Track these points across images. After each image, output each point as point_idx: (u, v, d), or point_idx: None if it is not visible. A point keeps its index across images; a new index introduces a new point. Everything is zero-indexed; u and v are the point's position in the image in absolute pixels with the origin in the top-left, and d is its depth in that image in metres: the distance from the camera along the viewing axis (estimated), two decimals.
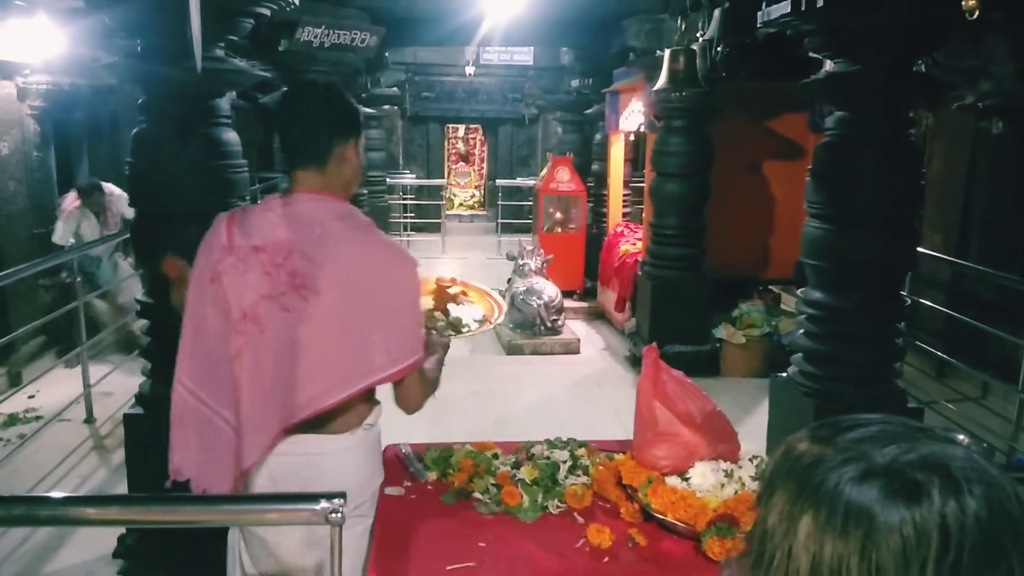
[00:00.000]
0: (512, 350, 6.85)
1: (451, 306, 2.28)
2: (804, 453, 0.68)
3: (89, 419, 4.90)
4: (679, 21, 5.89)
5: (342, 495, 1.45)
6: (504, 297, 7.33)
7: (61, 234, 6.14)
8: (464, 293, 2.39)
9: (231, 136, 3.05)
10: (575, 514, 1.93)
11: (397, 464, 2.20)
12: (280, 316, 1.68)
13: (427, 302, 2.22)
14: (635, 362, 6.13)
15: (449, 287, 2.38)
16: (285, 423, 1.66)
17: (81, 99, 6.68)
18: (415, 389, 1.79)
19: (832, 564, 0.61)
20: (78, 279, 5.06)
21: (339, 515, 1.42)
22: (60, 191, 6.72)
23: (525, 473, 2.09)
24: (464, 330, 2.19)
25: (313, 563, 1.75)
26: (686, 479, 1.94)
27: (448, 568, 1.65)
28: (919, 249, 5.02)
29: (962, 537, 0.59)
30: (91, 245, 5.90)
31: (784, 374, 3.56)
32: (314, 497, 1.43)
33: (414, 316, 1.76)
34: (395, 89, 11.83)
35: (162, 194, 2.93)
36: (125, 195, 6.03)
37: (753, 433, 3.46)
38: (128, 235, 6.01)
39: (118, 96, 6.86)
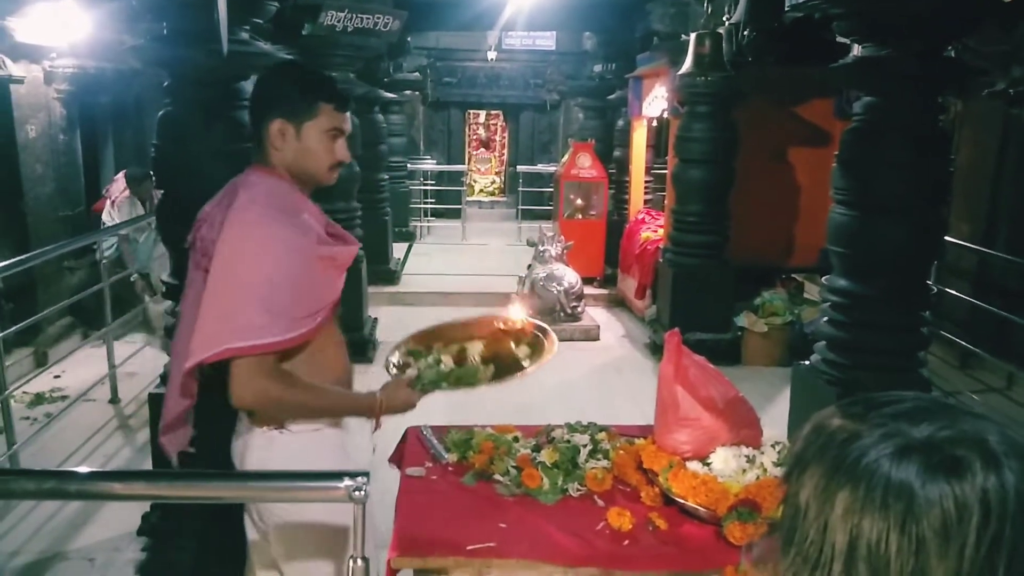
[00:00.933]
0: None
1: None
2: (838, 429, 0.68)
3: (114, 399, 4.97)
4: (705, 4, 5.82)
5: (366, 474, 1.46)
6: (524, 284, 7.38)
7: (119, 217, 6.32)
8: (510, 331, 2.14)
9: None
10: (595, 497, 1.94)
11: (418, 445, 2.21)
12: (197, 276, 1.84)
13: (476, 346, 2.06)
14: (655, 349, 6.11)
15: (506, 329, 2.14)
16: (180, 371, 1.84)
17: (107, 83, 6.74)
18: (242, 381, 1.70)
19: (871, 539, 0.61)
20: (103, 261, 5.13)
21: (362, 493, 1.43)
22: (86, 174, 6.81)
23: (545, 456, 2.09)
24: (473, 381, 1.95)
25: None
26: (707, 464, 1.94)
27: (468, 548, 1.66)
28: (946, 238, 4.97)
29: (1003, 511, 0.59)
30: (117, 227, 6.01)
31: (807, 362, 3.54)
32: (338, 475, 1.45)
33: (238, 302, 1.68)
34: (416, 74, 11.81)
35: (187, 177, 2.95)
36: None
37: (774, 421, 3.44)
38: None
39: (143, 79, 6.91)
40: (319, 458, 1.80)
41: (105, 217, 6.47)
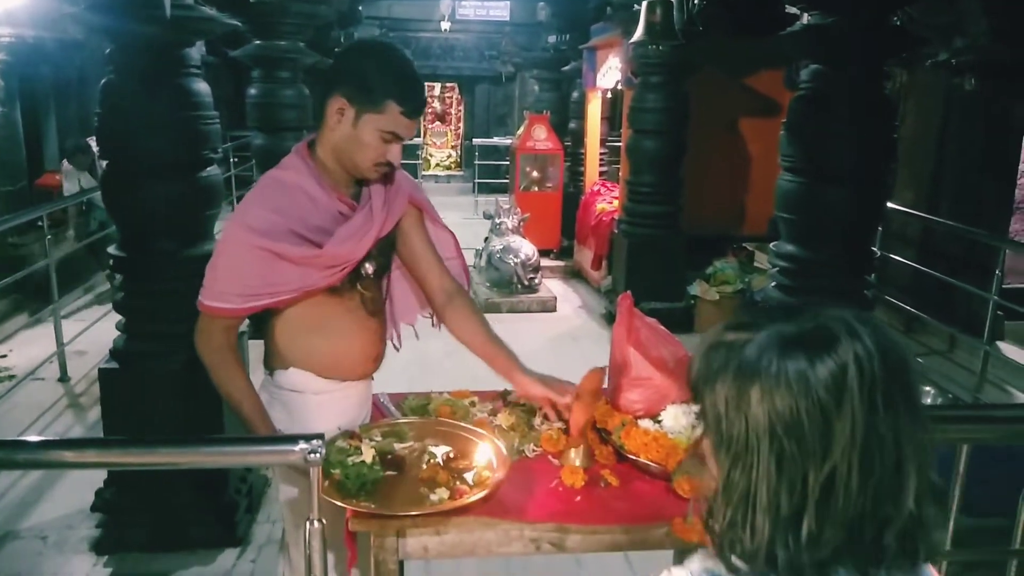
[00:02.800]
0: (489, 308, 6.88)
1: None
2: (732, 342, 0.85)
3: (63, 377, 4.87)
4: None
5: (320, 436, 1.47)
6: (480, 257, 7.37)
7: (66, 191, 6.39)
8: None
9: (202, 87, 3.01)
10: (550, 457, 1.96)
11: (375, 412, 2.22)
12: None
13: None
14: (611, 319, 6.19)
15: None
16: None
17: (47, 53, 6.52)
18: (201, 328, 1.80)
19: (785, 412, 0.79)
20: (48, 237, 4.99)
21: (317, 456, 1.44)
22: (27, 148, 6.61)
23: (502, 419, 2.11)
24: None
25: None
26: (658, 422, 1.98)
27: (426, 507, 1.68)
28: (891, 205, 5.10)
29: (871, 364, 0.79)
30: (66, 201, 5.99)
31: None
32: (293, 439, 1.45)
33: (214, 265, 1.77)
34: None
35: (132, 146, 2.89)
36: None
37: None
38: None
39: (85, 51, 6.70)
40: (295, 414, 1.89)
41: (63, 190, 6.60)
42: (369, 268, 1.92)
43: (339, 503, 1.60)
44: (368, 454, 1.73)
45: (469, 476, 1.71)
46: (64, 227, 6.94)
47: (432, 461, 1.76)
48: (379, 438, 1.85)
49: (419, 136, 14.46)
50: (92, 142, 6.28)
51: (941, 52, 5.47)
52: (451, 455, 1.79)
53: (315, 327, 1.87)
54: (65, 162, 6.59)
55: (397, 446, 1.82)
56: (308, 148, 1.84)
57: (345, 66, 1.77)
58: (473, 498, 1.64)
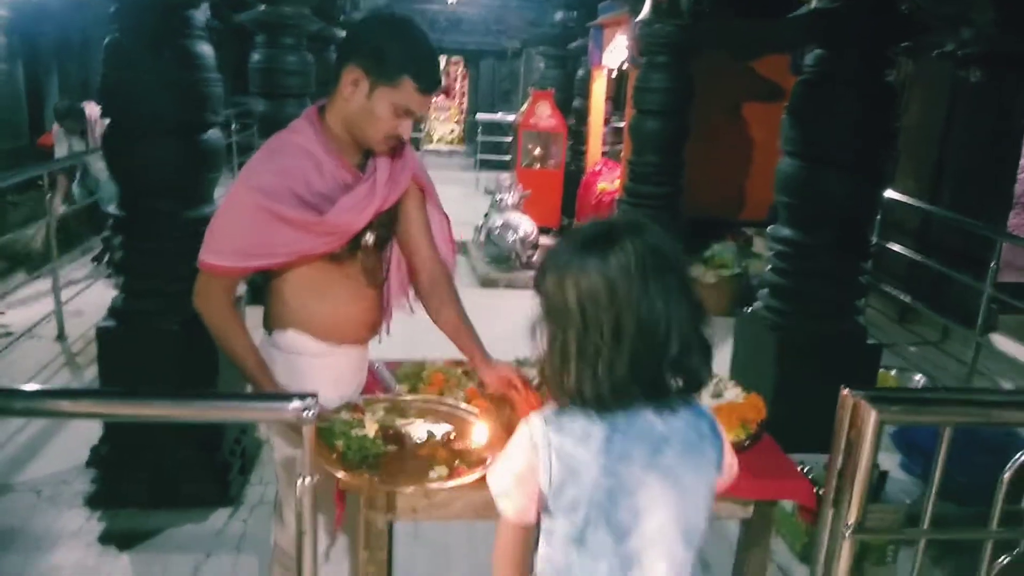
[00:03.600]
0: (486, 283, 6.91)
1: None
2: (555, 250, 1.23)
3: (61, 336, 4.90)
4: None
5: (314, 395, 1.49)
6: (480, 232, 7.38)
7: (56, 154, 6.24)
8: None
9: (206, 49, 3.00)
10: None
11: (371, 378, 2.24)
12: None
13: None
14: None
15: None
16: None
17: (51, 11, 6.48)
18: (201, 285, 1.81)
19: (587, 289, 1.14)
20: (48, 196, 4.99)
21: (310, 414, 1.46)
22: (29, 107, 6.58)
23: (493, 388, 2.14)
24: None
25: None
26: None
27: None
28: (891, 195, 5.11)
29: (646, 251, 1.14)
30: (65, 160, 5.88)
31: (750, 308, 3.65)
32: (287, 396, 1.47)
33: (216, 223, 1.78)
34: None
35: (134, 106, 2.89)
36: None
37: (718, 365, 3.56)
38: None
39: (89, 10, 6.65)
40: (291, 373, 1.90)
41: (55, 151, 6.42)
42: (369, 238, 1.93)
43: (340, 474, 1.64)
44: (371, 428, 1.78)
45: (468, 456, 1.75)
46: (51, 193, 6.58)
47: (432, 439, 1.80)
48: (382, 413, 1.88)
49: None
50: (87, 106, 6.17)
51: (947, 42, 5.45)
52: (451, 435, 1.82)
53: (314, 291, 1.89)
54: (56, 125, 6.40)
55: (399, 422, 1.85)
56: (319, 114, 1.85)
57: (363, 37, 1.77)
58: (471, 478, 1.67)
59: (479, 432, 1.85)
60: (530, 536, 1.29)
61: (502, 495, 1.26)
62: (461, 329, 2.06)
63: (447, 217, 2.20)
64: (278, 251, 1.77)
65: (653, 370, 1.16)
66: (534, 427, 1.21)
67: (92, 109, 6.17)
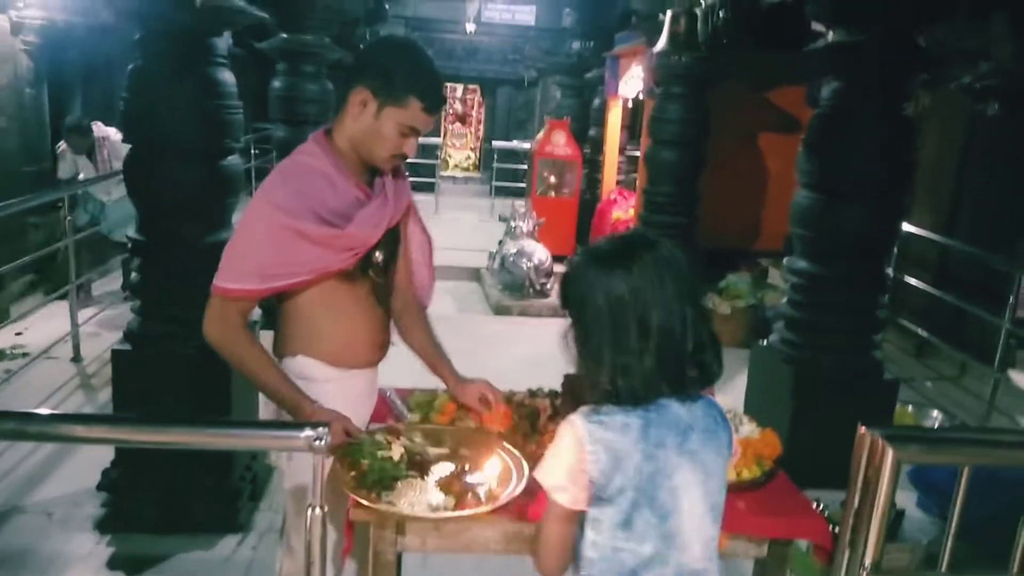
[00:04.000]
0: (500, 311, 6.90)
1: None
2: (576, 264, 1.40)
3: (76, 358, 4.93)
4: None
5: (326, 424, 1.49)
6: (494, 259, 7.38)
7: (60, 173, 6.10)
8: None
9: (227, 76, 3.04)
10: None
11: (382, 405, 2.24)
12: None
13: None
14: None
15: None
16: None
17: (77, 37, 6.59)
18: (211, 311, 1.80)
19: (614, 297, 1.31)
20: (67, 218, 5.05)
21: (322, 443, 1.46)
22: (52, 130, 6.67)
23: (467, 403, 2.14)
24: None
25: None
26: None
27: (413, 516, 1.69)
28: (908, 228, 5.08)
29: (662, 262, 1.32)
30: (78, 185, 5.72)
31: (765, 341, 3.62)
32: (299, 425, 1.47)
33: (234, 245, 1.79)
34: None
35: (156, 131, 2.93)
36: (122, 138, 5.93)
37: (733, 397, 3.52)
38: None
39: (114, 36, 6.76)
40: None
41: (59, 170, 6.11)
42: (379, 256, 1.97)
43: (349, 492, 1.65)
44: (397, 452, 1.79)
45: (482, 491, 1.74)
46: (71, 215, 6.05)
47: (453, 471, 1.80)
48: (419, 439, 1.89)
49: (439, 136, 14.52)
50: (96, 126, 6.00)
51: (965, 75, 5.44)
52: (466, 467, 1.82)
53: (326, 312, 1.90)
54: (63, 143, 6.13)
55: (432, 451, 1.86)
56: (325, 135, 1.89)
57: (371, 59, 1.84)
58: (471, 512, 1.67)
59: (504, 469, 1.83)
60: (575, 526, 1.39)
61: (558, 489, 1.34)
62: (431, 347, 2.14)
63: (429, 238, 2.24)
64: (298, 270, 1.79)
65: (675, 365, 1.32)
66: (577, 425, 1.32)
67: (101, 129, 6.05)
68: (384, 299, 2.04)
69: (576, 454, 1.31)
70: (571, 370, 1.70)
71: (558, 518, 1.38)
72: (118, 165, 5.81)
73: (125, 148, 5.63)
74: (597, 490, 1.32)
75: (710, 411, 1.40)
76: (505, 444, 1.92)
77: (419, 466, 1.80)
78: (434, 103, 1.80)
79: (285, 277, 1.78)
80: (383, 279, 2.02)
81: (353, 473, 1.72)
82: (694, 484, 1.35)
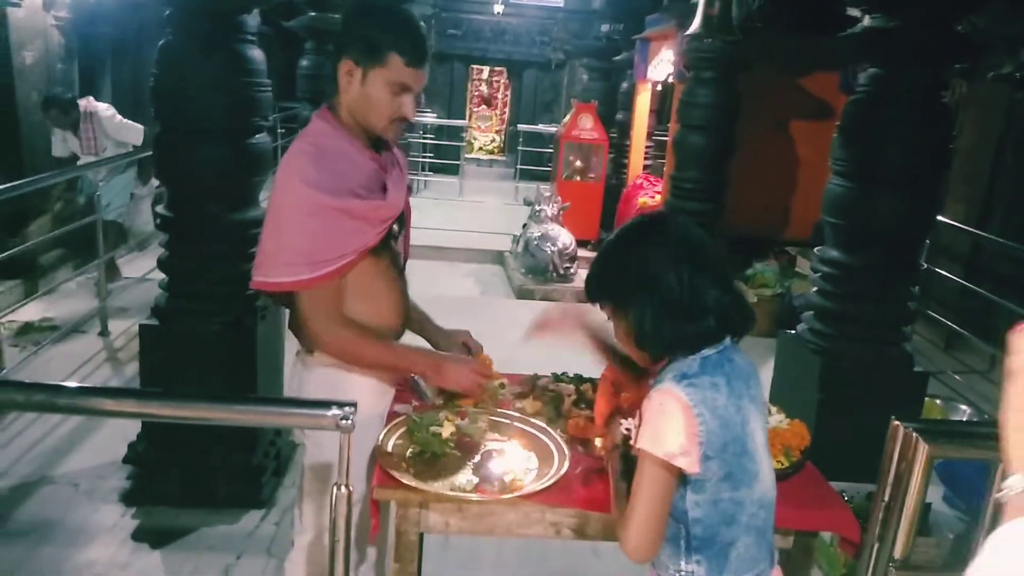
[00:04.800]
0: (522, 295, 6.89)
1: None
2: (614, 244, 1.53)
3: (104, 332, 4.99)
4: None
5: (353, 404, 1.48)
6: (518, 243, 7.36)
7: (54, 151, 5.87)
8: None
9: (257, 54, 3.04)
10: (576, 445, 1.97)
11: (406, 386, 2.23)
12: None
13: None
14: None
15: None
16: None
17: (107, 13, 6.63)
18: (309, 318, 1.80)
19: (648, 267, 1.43)
20: (97, 193, 5.09)
21: (349, 422, 1.46)
22: None
23: (528, 405, 2.13)
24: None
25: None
26: None
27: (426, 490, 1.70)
28: (940, 218, 4.98)
29: (687, 229, 1.47)
30: (88, 167, 5.61)
31: (793, 331, 3.58)
32: (326, 404, 1.47)
33: (285, 234, 1.76)
34: (421, 24, 11.64)
35: (185, 109, 2.94)
36: (113, 115, 5.74)
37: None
38: (138, 158, 5.93)
39: (144, 12, 6.80)
40: (335, 390, 1.86)
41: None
42: (396, 226, 1.96)
43: (385, 465, 1.70)
44: (448, 430, 1.82)
45: (507, 478, 1.75)
46: (49, 200, 6.09)
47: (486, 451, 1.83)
48: (482, 423, 1.92)
49: (464, 119, 14.46)
50: (86, 102, 5.71)
51: (1004, 64, 5.32)
52: (501, 451, 1.84)
53: (354, 291, 1.87)
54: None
55: (488, 436, 1.90)
56: (331, 113, 1.87)
57: (348, 29, 1.83)
58: (486, 498, 1.68)
59: (541, 459, 1.84)
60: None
61: (678, 455, 1.36)
62: (413, 309, 2.15)
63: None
64: (345, 250, 1.78)
65: (722, 309, 1.42)
66: (676, 392, 1.38)
67: (90, 104, 5.76)
68: (402, 268, 2.04)
69: (686, 418, 1.36)
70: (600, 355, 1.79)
71: (667, 485, 1.39)
72: (106, 143, 5.76)
73: (116, 126, 5.68)
74: (706, 449, 1.37)
75: (748, 357, 1.53)
76: (563, 448, 1.89)
77: (465, 448, 1.81)
78: (414, 55, 1.77)
79: (333, 262, 1.76)
80: (398, 247, 2.02)
81: (397, 445, 1.78)
82: (760, 425, 1.48)
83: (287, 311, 1.98)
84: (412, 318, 2.13)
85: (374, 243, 1.83)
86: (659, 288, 1.41)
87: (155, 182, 6.39)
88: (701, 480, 1.40)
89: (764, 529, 1.49)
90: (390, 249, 1.94)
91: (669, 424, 1.36)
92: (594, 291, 1.53)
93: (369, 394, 1.96)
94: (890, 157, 3.09)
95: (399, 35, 1.77)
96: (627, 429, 1.86)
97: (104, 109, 5.80)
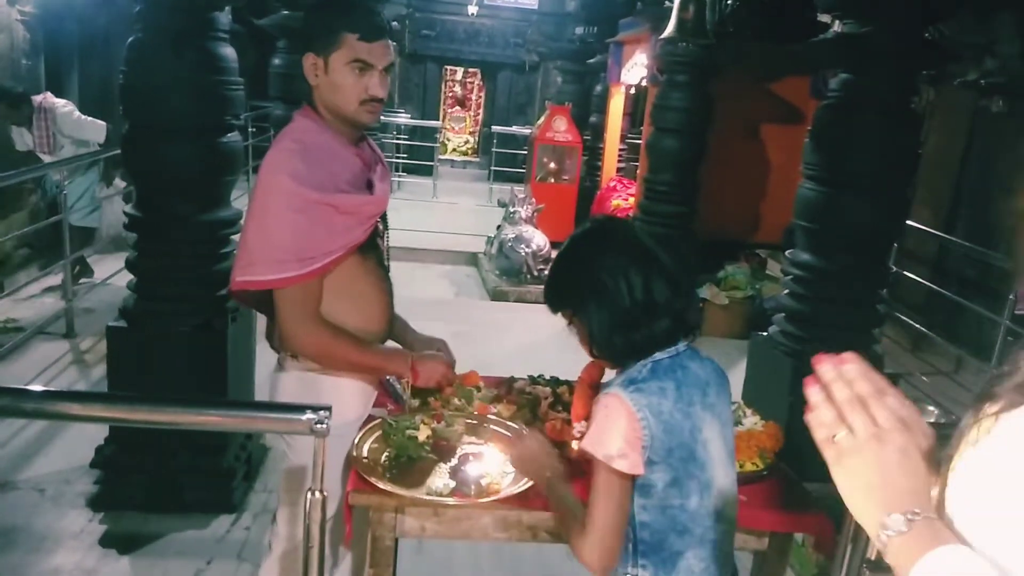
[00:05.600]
0: (497, 296, 6.88)
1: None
2: (567, 253, 1.53)
3: (70, 333, 4.89)
4: None
5: (328, 408, 1.46)
6: (492, 245, 7.35)
7: (18, 146, 5.63)
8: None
9: (228, 52, 3.00)
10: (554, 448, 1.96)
11: (383, 389, 2.21)
12: None
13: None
14: None
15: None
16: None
17: (75, 8, 6.52)
18: (286, 317, 1.79)
19: (615, 266, 1.42)
20: (64, 192, 4.98)
21: (324, 426, 1.44)
22: None
23: (502, 409, 2.12)
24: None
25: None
26: None
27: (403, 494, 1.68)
28: (908, 222, 5.06)
29: (640, 235, 1.48)
30: (49, 167, 5.37)
31: (765, 333, 3.61)
32: (300, 408, 1.45)
33: (272, 231, 1.75)
34: (395, 24, 11.58)
35: (155, 106, 2.89)
36: (71, 111, 5.55)
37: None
38: (102, 158, 5.76)
39: (113, 8, 6.69)
40: (323, 394, 1.85)
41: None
42: (381, 224, 1.96)
43: (360, 470, 1.68)
44: (424, 433, 1.81)
45: (483, 481, 1.75)
46: (21, 197, 5.88)
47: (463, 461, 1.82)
48: (459, 427, 1.91)
49: (438, 119, 14.42)
50: (44, 97, 5.48)
51: (971, 72, 5.42)
52: (478, 455, 1.84)
53: (340, 291, 1.85)
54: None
55: (462, 438, 1.89)
56: (313, 110, 1.87)
57: (305, 27, 1.87)
58: (463, 502, 1.67)
59: (504, 462, 1.82)
60: (630, 501, 1.42)
61: (618, 456, 1.35)
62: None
63: None
64: (333, 247, 1.77)
65: (675, 313, 1.43)
66: (621, 396, 1.37)
67: (47, 100, 5.52)
68: (387, 268, 2.03)
69: (628, 421, 1.36)
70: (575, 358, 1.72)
71: (620, 490, 1.38)
72: (63, 141, 5.55)
73: (74, 123, 5.50)
74: (650, 453, 1.38)
75: (714, 365, 1.52)
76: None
77: (442, 451, 1.80)
78: (368, 30, 1.78)
79: (321, 258, 1.75)
80: (383, 245, 2.01)
81: (372, 449, 1.76)
82: (716, 435, 1.45)
83: (259, 315, 1.96)
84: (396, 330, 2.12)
85: (362, 239, 1.82)
86: (607, 295, 1.41)
87: (120, 182, 6.27)
88: (647, 484, 1.40)
89: (722, 543, 1.47)
90: (377, 247, 1.94)
91: (611, 427, 1.37)
92: (551, 299, 1.54)
93: (351, 398, 1.94)
94: (860, 162, 3.13)
95: (347, 13, 1.80)
96: (578, 432, 1.88)
97: (62, 105, 5.59)
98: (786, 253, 3.62)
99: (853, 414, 0.77)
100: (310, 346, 1.82)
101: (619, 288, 1.40)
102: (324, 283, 1.82)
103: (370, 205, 1.83)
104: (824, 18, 5.39)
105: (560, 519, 1.53)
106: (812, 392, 0.81)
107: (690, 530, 1.42)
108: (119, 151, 3.20)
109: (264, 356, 3.40)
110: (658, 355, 1.43)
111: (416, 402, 2.16)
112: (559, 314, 1.53)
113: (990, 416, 0.81)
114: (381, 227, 1.95)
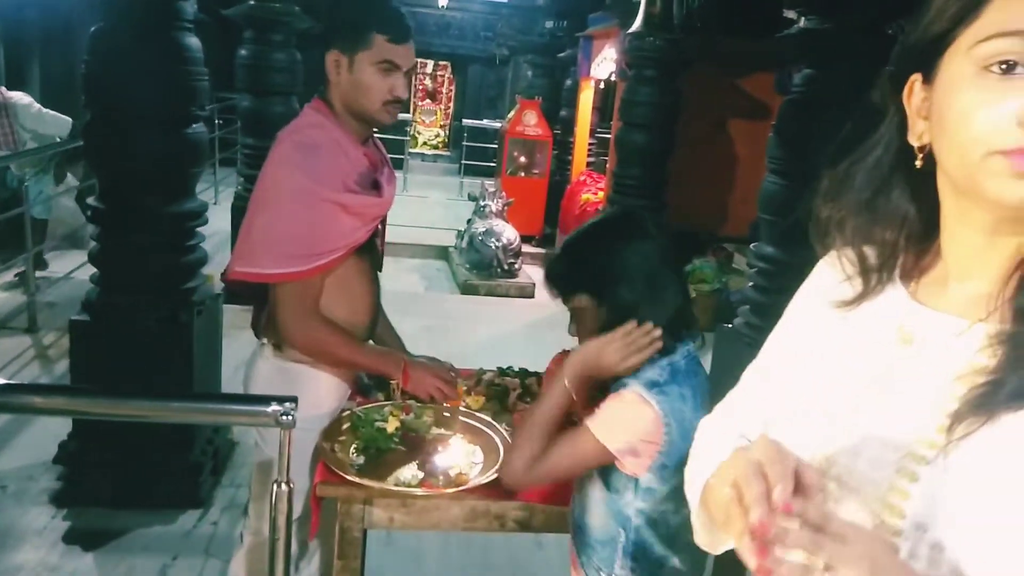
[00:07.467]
0: (467, 290, 6.89)
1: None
2: (574, 245, 1.56)
3: (32, 328, 4.80)
4: None
5: (293, 399, 1.47)
6: (462, 238, 7.36)
7: None
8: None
9: (193, 42, 2.96)
10: None
11: (354, 386, 2.21)
12: None
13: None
14: None
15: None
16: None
17: None
18: (284, 312, 1.79)
19: (620, 263, 1.43)
20: (25, 184, 4.90)
21: (289, 418, 1.44)
22: None
23: (471, 401, 2.13)
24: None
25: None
26: None
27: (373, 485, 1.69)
28: None
29: (653, 238, 1.47)
30: (9, 159, 5.28)
31: (730, 325, 3.66)
32: (266, 399, 1.45)
33: (281, 225, 1.75)
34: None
35: (118, 96, 2.84)
36: (31, 104, 5.45)
37: None
38: (51, 153, 5.61)
39: None
40: (301, 383, 1.85)
41: None
42: (380, 225, 1.97)
43: (329, 462, 1.66)
44: (392, 425, 1.80)
45: (452, 472, 1.74)
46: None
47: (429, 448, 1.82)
48: (428, 419, 1.89)
49: (408, 113, 14.35)
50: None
51: None
52: (447, 445, 1.84)
53: (332, 288, 1.86)
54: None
55: (432, 430, 1.87)
56: (324, 105, 1.86)
57: (332, 22, 1.85)
58: (432, 493, 1.67)
59: (484, 453, 1.83)
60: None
61: (624, 452, 1.37)
62: (385, 329, 2.18)
63: None
64: (337, 245, 1.78)
65: (680, 309, 1.45)
66: (646, 397, 1.37)
67: (2, 94, 5.40)
68: (379, 266, 2.05)
69: (651, 425, 1.36)
70: (547, 348, 1.74)
71: (589, 461, 1.41)
72: (26, 136, 5.44)
73: (35, 116, 5.40)
74: (665, 459, 1.37)
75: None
76: (508, 441, 1.89)
77: (410, 442, 1.80)
78: (398, 32, 1.79)
79: (325, 255, 1.75)
80: (379, 247, 2.03)
81: (340, 441, 1.75)
82: None
83: (234, 307, 1.96)
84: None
85: (364, 239, 1.83)
86: (637, 282, 1.42)
87: (72, 179, 6.12)
88: (652, 488, 1.40)
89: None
90: (373, 248, 1.95)
91: (630, 424, 1.37)
92: (564, 282, 1.51)
93: (327, 392, 1.94)
94: (823, 157, 3.17)
95: (379, 14, 1.80)
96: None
97: (20, 98, 5.48)
98: (751, 246, 3.67)
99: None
100: (307, 341, 1.82)
101: (650, 276, 1.42)
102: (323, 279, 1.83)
103: (377, 207, 1.84)
104: (791, 14, 5.46)
105: (530, 422, 1.50)
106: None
107: (680, 536, 1.42)
108: (80, 143, 3.15)
109: (230, 349, 3.39)
110: (673, 356, 1.43)
111: (382, 395, 2.16)
112: (565, 299, 1.52)
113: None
114: (380, 227, 1.96)
